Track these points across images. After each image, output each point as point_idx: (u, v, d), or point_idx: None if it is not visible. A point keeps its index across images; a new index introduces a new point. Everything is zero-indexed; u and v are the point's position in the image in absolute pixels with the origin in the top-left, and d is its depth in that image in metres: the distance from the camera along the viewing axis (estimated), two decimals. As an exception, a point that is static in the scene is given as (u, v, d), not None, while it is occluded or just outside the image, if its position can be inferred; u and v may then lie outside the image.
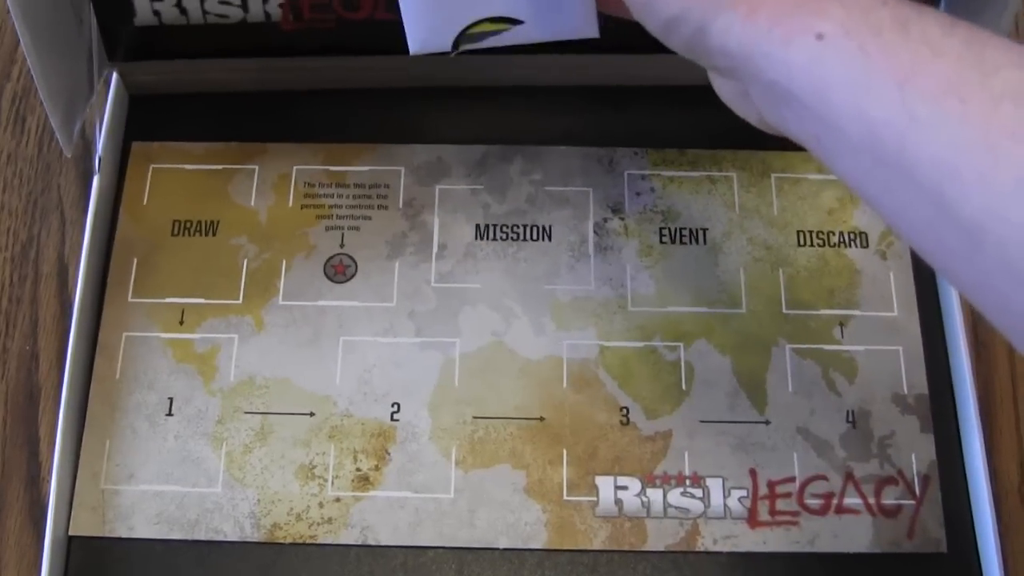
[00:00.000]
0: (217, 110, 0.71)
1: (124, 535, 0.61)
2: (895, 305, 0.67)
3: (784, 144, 0.68)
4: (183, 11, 0.66)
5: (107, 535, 0.61)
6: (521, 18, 0.54)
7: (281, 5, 0.66)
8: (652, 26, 0.47)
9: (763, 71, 0.42)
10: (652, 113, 0.71)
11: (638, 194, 0.69)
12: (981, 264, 0.36)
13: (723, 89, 0.51)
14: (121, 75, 0.71)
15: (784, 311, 0.66)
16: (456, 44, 0.55)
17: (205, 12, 0.66)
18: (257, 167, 0.69)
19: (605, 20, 0.54)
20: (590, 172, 0.69)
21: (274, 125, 0.70)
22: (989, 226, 0.35)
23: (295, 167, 0.69)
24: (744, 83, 0.45)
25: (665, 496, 0.62)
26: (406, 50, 0.66)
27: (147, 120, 0.71)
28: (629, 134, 0.70)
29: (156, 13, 0.66)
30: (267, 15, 0.67)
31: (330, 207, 0.68)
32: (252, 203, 0.68)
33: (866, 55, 0.39)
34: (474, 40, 0.55)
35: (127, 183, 0.69)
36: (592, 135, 0.70)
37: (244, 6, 0.66)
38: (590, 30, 0.54)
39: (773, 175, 0.70)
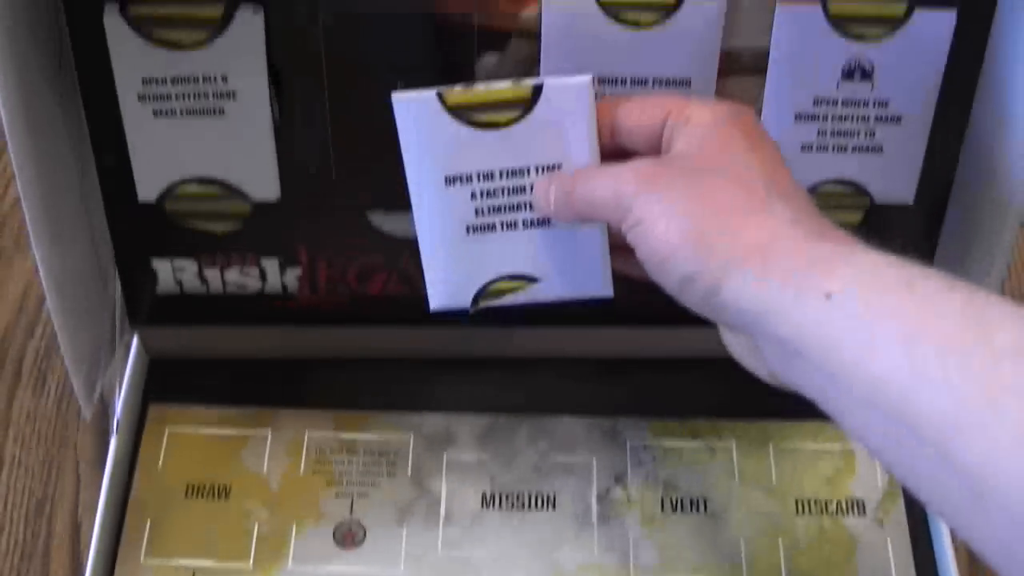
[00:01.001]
0: (233, 375, 0.73)
1: None
2: (893, 574, 0.68)
3: (782, 414, 0.72)
4: (204, 280, 0.70)
5: None
6: (538, 276, 0.57)
7: (299, 278, 0.69)
8: (668, 284, 0.49)
9: (774, 328, 0.44)
10: (653, 384, 0.74)
11: (640, 463, 0.71)
12: (984, 515, 0.37)
13: (733, 344, 0.53)
14: (142, 339, 0.73)
15: (785, 583, 0.67)
16: (475, 302, 0.57)
17: (225, 282, 0.70)
18: (270, 432, 0.71)
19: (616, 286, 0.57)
20: (594, 441, 0.71)
21: (288, 391, 0.73)
22: (991, 478, 0.37)
23: (307, 433, 0.71)
24: (755, 339, 0.47)
25: None
26: (417, 321, 0.69)
27: (165, 383, 0.73)
28: (631, 404, 0.73)
29: (178, 282, 0.70)
30: (284, 287, 0.70)
31: (340, 473, 0.70)
32: (264, 469, 0.70)
33: (873, 314, 0.41)
34: (493, 298, 0.58)
35: (143, 445, 0.71)
36: (595, 405, 0.73)
37: (262, 277, 0.70)
38: (605, 291, 0.57)
39: (771, 444, 0.71)
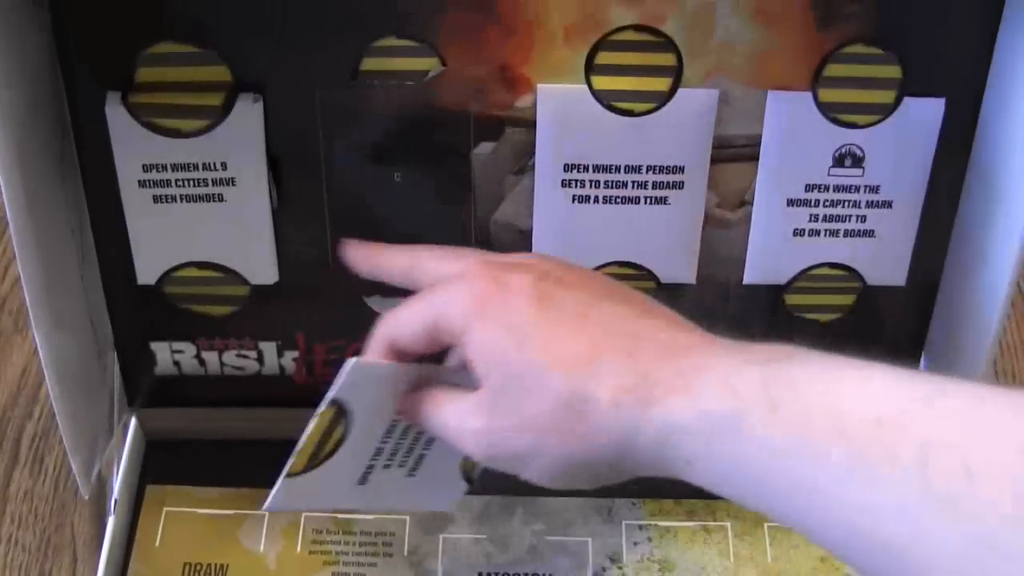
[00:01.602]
0: (230, 456, 0.73)
1: None
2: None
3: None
4: (202, 362, 0.70)
5: None
6: None
7: (296, 360, 0.70)
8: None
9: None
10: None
11: (635, 544, 0.71)
12: None
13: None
14: (139, 420, 0.74)
15: (781, 666, 0.67)
16: (471, 481, 0.61)
17: (223, 364, 0.70)
18: (267, 514, 0.71)
19: None
20: (589, 522, 0.71)
21: (285, 472, 0.73)
22: None
23: (304, 514, 0.71)
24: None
25: None
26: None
27: (162, 464, 0.74)
28: (627, 485, 0.72)
29: (176, 364, 0.70)
30: (281, 369, 0.71)
31: (337, 554, 0.70)
32: (261, 548, 0.70)
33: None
34: (474, 471, 0.61)
35: (140, 525, 0.71)
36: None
37: (260, 359, 0.70)
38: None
39: (766, 525, 0.72)
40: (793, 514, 0.41)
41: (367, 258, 0.58)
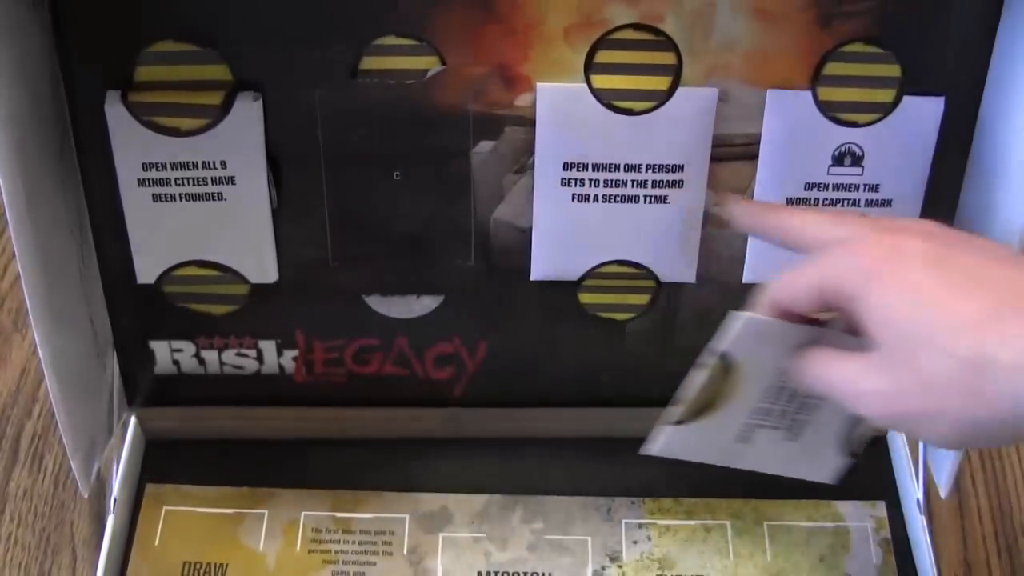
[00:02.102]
0: (230, 455, 0.74)
1: None
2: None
3: (776, 493, 0.72)
4: (201, 361, 0.70)
5: None
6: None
7: (295, 359, 0.70)
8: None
9: None
10: (648, 463, 0.73)
11: (635, 542, 0.71)
12: None
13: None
14: (139, 419, 0.74)
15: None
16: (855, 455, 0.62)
17: (222, 363, 0.70)
18: (267, 512, 0.71)
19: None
20: (589, 521, 0.71)
21: (284, 471, 0.73)
22: None
23: (303, 512, 0.71)
24: None
25: None
26: (413, 402, 0.70)
27: (162, 463, 0.74)
28: (626, 483, 0.73)
29: (175, 363, 0.70)
30: (281, 367, 0.71)
31: (336, 552, 0.70)
32: (261, 547, 0.70)
33: None
34: (860, 440, 0.61)
35: (140, 524, 0.71)
36: (590, 484, 0.73)
37: (259, 358, 0.70)
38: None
39: (766, 523, 0.72)
40: None
41: (756, 215, 0.59)
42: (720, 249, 0.66)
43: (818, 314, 0.53)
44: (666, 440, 0.59)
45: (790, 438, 0.59)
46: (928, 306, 0.47)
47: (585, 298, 0.68)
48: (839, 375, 0.51)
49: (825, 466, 0.62)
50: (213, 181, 0.62)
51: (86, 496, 0.69)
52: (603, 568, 0.70)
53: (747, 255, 0.65)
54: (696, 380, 0.56)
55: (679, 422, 0.57)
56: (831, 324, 0.54)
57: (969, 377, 0.45)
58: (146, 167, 0.61)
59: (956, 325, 0.46)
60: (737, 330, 0.53)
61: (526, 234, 0.65)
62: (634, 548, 0.70)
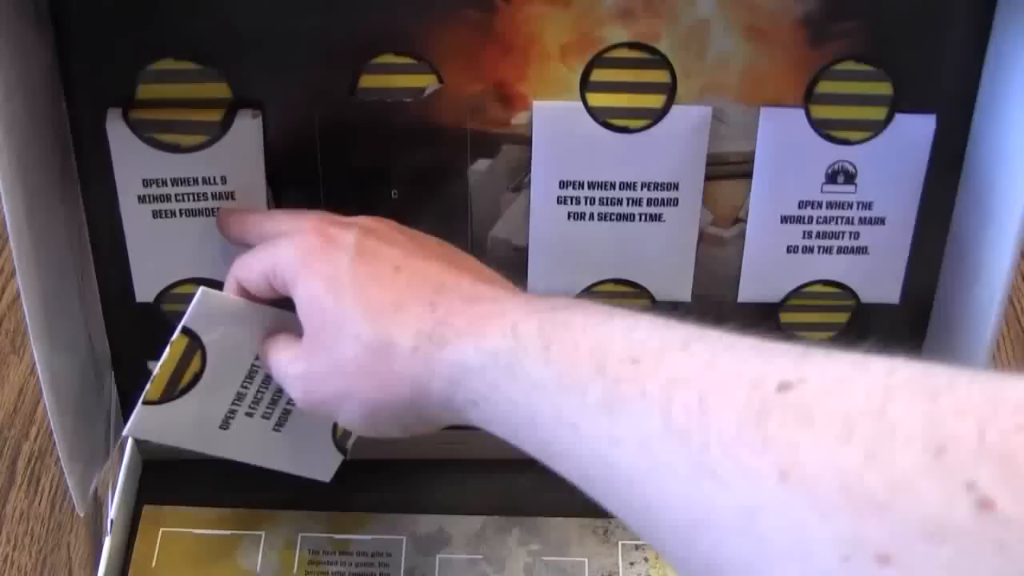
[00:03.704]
0: (227, 477, 0.73)
1: None
2: None
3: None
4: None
5: None
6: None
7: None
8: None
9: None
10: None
11: (632, 564, 0.70)
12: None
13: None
14: (136, 441, 0.74)
15: None
16: (345, 451, 0.64)
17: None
18: (263, 533, 0.71)
19: None
20: (586, 542, 0.71)
21: (281, 492, 0.72)
22: None
23: (300, 534, 0.71)
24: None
25: None
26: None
27: (159, 484, 0.74)
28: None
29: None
30: (281, 388, 0.71)
31: (334, 574, 0.70)
32: (258, 569, 0.70)
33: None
34: (348, 440, 0.64)
35: (137, 546, 0.71)
36: (587, 506, 0.72)
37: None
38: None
39: (764, 546, 0.71)
40: (555, 450, 0.43)
41: (238, 223, 0.61)
42: (715, 267, 0.66)
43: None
44: (138, 419, 0.58)
45: (276, 427, 0.61)
46: (347, 294, 0.50)
47: (581, 317, 0.68)
48: (275, 359, 0.55)
49: (318, 462, 0.63)
50: (213, 197, 0.62)
51: (83, 517, 0.69)
52: (600, 590, 0.70)
53: (742, 273, 0.66)
54: (162, 357, 0.56)
55: (148, 402, 0.57)
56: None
57: (373, 360, 0.48)
58: (146, 183, 0.62)
59: (364, 312, 0.49)
60: (195, 303, 0.55)
61: (522, 252, 0.65)
62: (631, 570, 0.70)
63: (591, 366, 0.41)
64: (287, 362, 0.54)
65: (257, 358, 0.58)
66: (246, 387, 0.59)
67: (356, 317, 0.49)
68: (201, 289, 0.55)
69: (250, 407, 0.60)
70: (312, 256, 0.52)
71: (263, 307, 0.56)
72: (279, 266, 0.53)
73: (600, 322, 0.43)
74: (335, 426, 0.62)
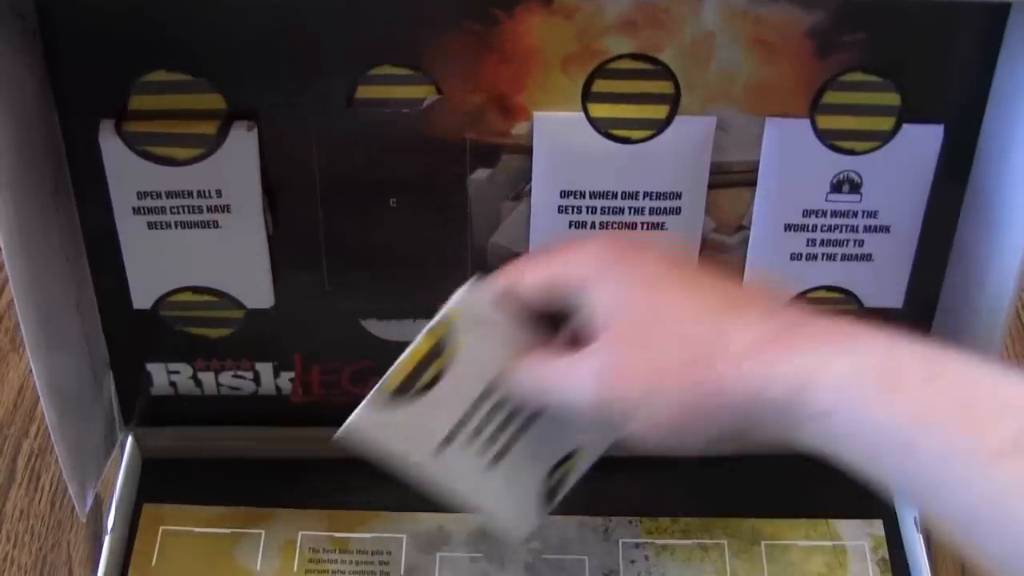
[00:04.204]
0: (227, 475, 0.74)
1: None
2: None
3: (774, 512, 0.72)
4: (198, 383, 0.70)
5: None
6: (575, 447, 0.58)
7: (292, 381, 0.70)
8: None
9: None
10: (645, 483, 0.74)
11: (632, 562, 0.71)
12: None
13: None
14: (136, 439, 0.74)
15: None
16: (548, 502, 0.59)
17: (219, 384, 0.70)
18: (263, 532, 0.71)
19: None
20: (586, 541, 0.71)
21: (281, 491, 0.73)
22: None
23: (300, 533, 0.71)
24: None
25: None
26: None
27: (159, 483, 0.74)
28: (623, 503, 0.73)
29: (172, 384, 0.70)
30: (278, 389, 0.71)
31: (334, 572, 0.70)
32: (258, 567, 0.70)
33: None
34: (558, 489, 0.59)
35: (137, 544, 0.71)
36: (587, 504, 0.73)
37: (256, 380, 0.70)
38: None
39: (763, 542, 0.72)
40: (924, 485, 0.41)
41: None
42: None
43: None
44: (366, 415, 0.55)
45: (490, 465, 0.57)
46: (668, 293, 0.48)
47: (582, 322, 0.68)
48: (552, 367, 0.51)
49: (519, 513, 0.59)
50: (208, 209, 0.62)
51: (83, 517, 0.69)
52: (600, 588, 0.70)
53: (745, 280, 0.65)
54: (410, 347, 0.54)
55: (384, 390, 0.54)
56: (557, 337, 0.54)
57: (697, 360, 0.45)
58: (141, 195, 0.61)
59: (697, 310, 0.47)
60: (461, 295, 0.53)
61: (523, 259, 0.65)
62: (632, 568, 0.71)
63: (991, 407, 0.40)
64: (577, 362, 0.49)
65: (498, 379, 0.54)
66: (475, 409, 0.55)
67: (683, 314, 0.47)
68: (472, 280, 0.53)
69: (471, 434, 0.56)
70: (616, 259, 0.50)
71: (518, 328, 0.54)
72: (571, 269, 0.50)
73: (967, 361, 0.42)
74: (547, 479, 0.59)
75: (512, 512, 0.59)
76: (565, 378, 0.50)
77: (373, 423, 0.55)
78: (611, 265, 0.49)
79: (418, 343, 0.53)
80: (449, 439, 0.56)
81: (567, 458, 0.58)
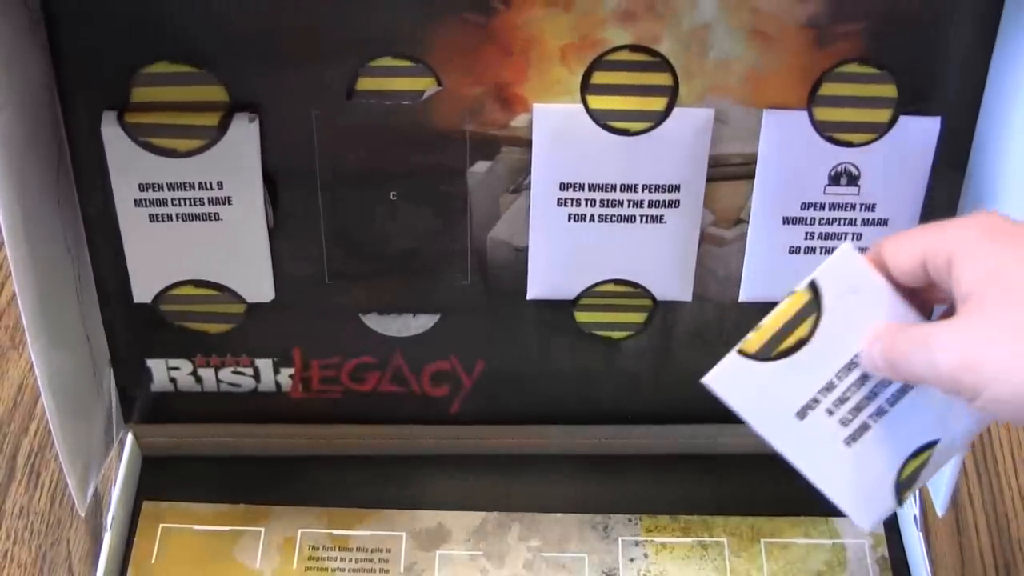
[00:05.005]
0: (226, 472, 0.74)
1: None
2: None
3: (773, 510, 0.72)
4: (198, 379, 0.70)
5: None
6: (938, 436, 0.54)
7: (292, 377, 0.70)
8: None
9: None
10: (645, 481, 0.74)
11: (632, 560, 0.71)
12: None
13: None
14: (136, 436, 0.74)
15: None
16: (899, 493, 0.55)
17: (219, 381, 0.70)
18: (263, 529, 0.71)
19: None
20: (586, 539, 0.71)
21: (281, 488, 0.73)
22: None
23: (300, 530, 0.71)
24: None
25: None
26: (409, 419, 0.70)
27: (159, 480, 0.74)
28: (623, 501, 0.73)
29: (172, 380, 0.70)
30: (278, 385, 0.71)
31: (334, 570, 0.70)
32: (257, 565, 0.70)
33: None
34: (911, 481, 0.55)
35: (137, 542, 0.71)
36: (587, 502, 0.73)
37: (256, 376, 0.70)
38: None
39: (763, 540, 0.72)
40: None
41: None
42: (716, 268, 0.66)
43: None
44: (730, 368, 0.52)
45: (848, 441, 0.54)
46: None
47: (581, 317, 0.68)
48: (910, 334, 0.49)
49: (869, 500, 0.55)
50: (210, 202, 0.62)
51: (83, 513, 0.69)
52: (600, 586, 0.70)
53: (743, 274, 0.66)
54: (777, 308, 0.52)
55: (743, 352, 0.52)
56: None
57: None
58: (142, 187, 0.61)
59: None
60: (835, 259, 0.51)
61: (522, 253, 0.65)
62: (631, 566, 0.70)
63: None
64: (932, 331, 0.48)
65: (857, 355, 0.52)
66: (840, 378, 0.52)
67: None
68: (846, 245, 0.51)
69: (833, 404, 0.53)
70: (990, 233, 0.47)
71: (895, 293, 0.51)
72: (943, 243, 0.48)
73: None
74: (902, 468, 0.55)
75: (863, 496, 0.55)
76: (924, 345, 0.48)
77: (730, 379, 0.53)
78: (983, 240, 0.48)
79: (783, 307, 0.52)
80: (809, 407, 0.53)
81: (927, 447, 0.55)
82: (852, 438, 0.53)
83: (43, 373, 0.60)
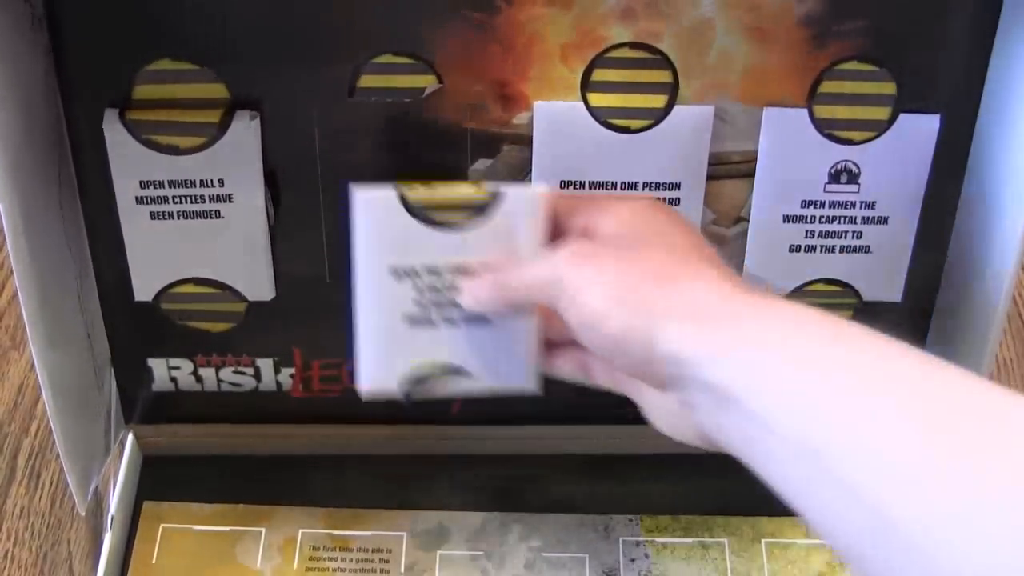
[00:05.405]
0: (227, 472, 0.74)
1: None
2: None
3: (774, 510, 0.72)
4: (198, 379, 0.70)
5: None
6: (467, 369, 0.56)
7: (293, 376, 0.70)
8: (603, 348, 0.48)
9: (708, 374, 0.43)
10: (646, 481, 0.74)
11: (632, 560, 0.71)
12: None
13: (657, 409, 0.53)
14: (136, 436, 0.74)
15: None
16: (408, 394, 0.57)
17: (220, 380, 0.70)
18: (264, 530, 0.71)
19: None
20: (586, 539, 0.71)
21: (282, 488, 0.73)
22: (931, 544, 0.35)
23: (300, 530, 0.71)
24: (686, 392, 0.46)
25: None
26: (410, 420, 0.70)
27: (159, 480, 0.74)
28: (624, 501, 0.73)
29: (173, 380, 0.70)
30: (278, 384, 0.71)
31: (334, 570, 0.70)
32: (258, 564, 0.70)
33: (807, 364, 0.41)
34: (422, 386, 0.57)
35: (137, 542, 0.71)
36: (588, 502, 0.73)
37: (257, 376, 0.70)
38: (531, 386, 0.57)
39: (764, 540, 0.72)
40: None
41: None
42: (717, 266, 0.66)
43: None
44: (383, 200, 0.53)
45: (407, 319, 0.55)
46: (667, 238, 0.51)
47: (582, 315, 0.68)
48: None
49: (377, 368, 0.57)
50: (211, 199, 0.62)
51: (83, 514, 0.69)
52: (601, 586, 0.70)
53: (744, 271, 0.66)
54: (462, 184, 0.54)
55: (404, 199, 0.53)
56: None
57: (657, 280, 0.47)
58: (144, 185, 0.61)
59: (679, 258, 0.49)
60: (531, 191, 0.53)
61: (523, 251, 0.65)
62: (632, 566, 0.70)
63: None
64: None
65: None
66: (448, 273, 0.54)
67: (669, 250, 0.50)
68: (543, 187, 0.53)
69: (427, 287, 0.55)
70: (650, 210, 0.52)
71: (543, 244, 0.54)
72: (605, 201, 0.53)
73: None
74: (421, 366, 0.57)
75: (375, 365, 0.57)
76: (548, 256, 0.51)
77: (385, 209, 0.54)
78: (639, 208, 0.52)
79: (464, 189, 0.53)
80: (408, 273, 0.55)
81: (454, 370, 0.57)
82: (412, 319, 0.55)
83: (44, 373, 0.60)
